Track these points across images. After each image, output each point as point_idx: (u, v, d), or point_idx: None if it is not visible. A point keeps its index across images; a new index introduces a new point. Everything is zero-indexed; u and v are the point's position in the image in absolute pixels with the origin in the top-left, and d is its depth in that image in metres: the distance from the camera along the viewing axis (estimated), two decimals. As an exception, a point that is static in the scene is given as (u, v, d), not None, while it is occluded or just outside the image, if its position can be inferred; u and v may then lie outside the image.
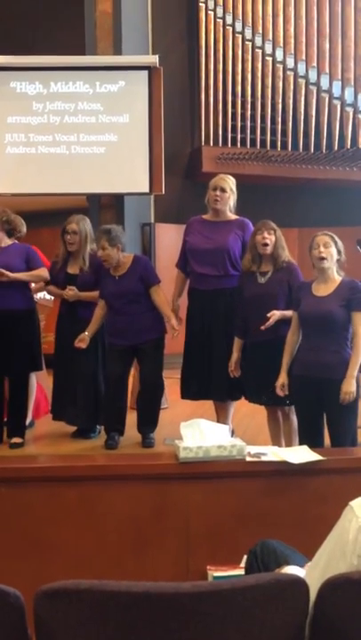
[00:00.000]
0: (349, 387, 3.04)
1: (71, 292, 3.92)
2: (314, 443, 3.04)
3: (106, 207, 6.46)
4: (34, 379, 4.27)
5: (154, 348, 3.79)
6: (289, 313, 3.36)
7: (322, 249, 3.15)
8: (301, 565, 1.84)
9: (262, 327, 3.37)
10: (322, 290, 3.20)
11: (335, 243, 3.18)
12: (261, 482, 2.63)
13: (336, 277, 3.20)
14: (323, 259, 3.14)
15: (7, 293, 3.70)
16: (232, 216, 3.87)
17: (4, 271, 3.64)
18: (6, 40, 7.26)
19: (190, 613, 1.43)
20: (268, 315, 3.37)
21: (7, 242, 3.86)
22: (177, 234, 4.10)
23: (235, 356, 3.62)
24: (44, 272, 3.89)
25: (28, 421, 4.09)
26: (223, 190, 3.76)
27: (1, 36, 7.53)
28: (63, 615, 1.43)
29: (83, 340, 3.80)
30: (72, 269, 4.02)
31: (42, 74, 6.21)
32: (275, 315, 3.37)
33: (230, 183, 3.80)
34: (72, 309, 3.98)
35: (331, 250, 3.16)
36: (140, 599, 1.42)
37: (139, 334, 3.74)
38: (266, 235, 3.47)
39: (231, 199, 3.80)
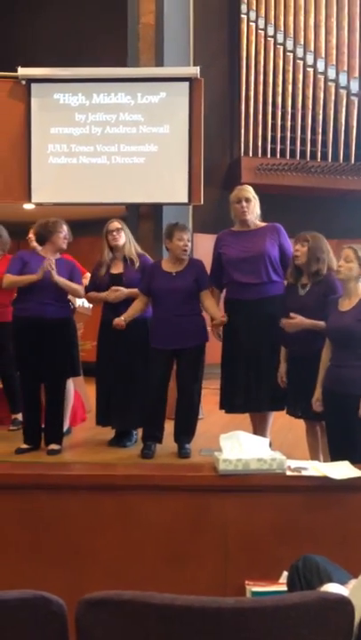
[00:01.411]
0: None
1: (117, 292, 3.94)
2: (345, 458, 2.97)
3: (145, 217, 6.48)
4: (71, 386, 4.30)
5: (196, 354, 3.78)
6: (321, 324, 3.32)
7: (341, 262, 3.13)
8: (345, 582, 1.80)
9: (281, 324, 3.37)
10: (346, 304, 3.18)
11: (358, 257, 3.13)
12: (302, 497, 2.59)
13: (360, 292, 3.16)
14: (337, 272, 3.14)
15: (46, 302, 3.76)
16: (261, 223, 3.87)
17: (52, 265, 3.70)
18: (51, 52, 7.42)
19: (233, 630, 1.42)
20: (293, 315, 3.34)
21: (57, 255, 3.93)
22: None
23: (282, 366, 3.59)
24: (81, 290, 3.96)
25: (65, 428, 4.11)
26: (248, 200, 3.77)
27: (46, 48, 7.70)
28: (105, 625, 1.43)
29: (120, 323, 3.82)
30: (116, 269, 4.06)
31: (85, 85, 6.29)
32: (297, 318, 3.34)
33: (251, 191, 3.83)
34: (115, 310, 3.96)
35: (351, 265, 3.12)
36: (183, 613, 1.41)
37: (183, 338, 3.73)
38: (298, 247, 3.47)
39: (257, 206, 3.83)
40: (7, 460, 3.54)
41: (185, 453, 3.74)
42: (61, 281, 3.79)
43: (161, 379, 3.80)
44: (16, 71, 6.20)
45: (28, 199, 6.26)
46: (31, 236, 4.41)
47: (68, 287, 3.86)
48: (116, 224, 4.07)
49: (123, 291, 3.96)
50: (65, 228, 3.92)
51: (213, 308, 3.82)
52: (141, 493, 2.55)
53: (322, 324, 3.31)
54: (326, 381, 3.22)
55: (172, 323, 3.74)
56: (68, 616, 1.44)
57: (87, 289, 4.11)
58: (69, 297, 4.00)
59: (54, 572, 2.43)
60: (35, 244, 4.19)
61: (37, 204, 6.33)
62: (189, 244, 3.83)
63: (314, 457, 3.50)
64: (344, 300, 3.20)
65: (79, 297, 4.07)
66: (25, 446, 3.81)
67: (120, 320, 3.83)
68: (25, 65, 6.25)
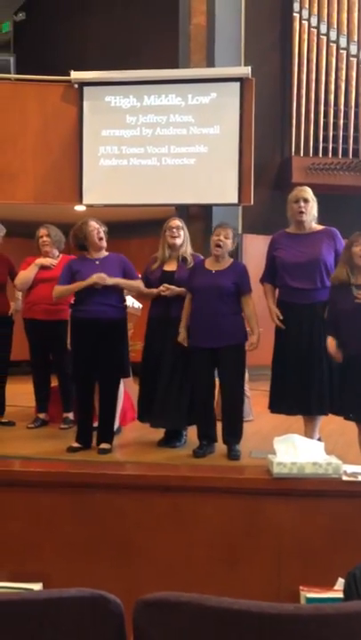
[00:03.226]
0: None
1: (167, 291, 3.94)
2: None
3: (194, 218, 6.48)
4: (121, 386, 4.33)
5: (234, 354, 3.76)
6: None
7: None
8: None
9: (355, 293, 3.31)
10: None
11: None
12: (359, 503, 2.53)
13: None
14: None
15: (104, 304, 3.79)
16: (318, 226, 3.83)
17: (105, 277, 3.74)
18: (102, 55, 7.51)
19: (292, 636, 1.38)
20: None
21: (105, 253, 3.96)
22: (265, 244, 4.06)
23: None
24: (140, 283, 3.98)
25: (115, 428, 4.14)
26: (306, 200, 3.74)
27: (97, 51, 7.80)
28: (162, 626, 1.42)
29: (185, 339, 3.85)
30: (169, 267, 4.07)
31: (136, 87, 6.34)
32: None
33: (310, 192, 3.79)
34: (166, 310, 3.98)
35: None
36: (240, 617, 1.39)
37: (221, 337, 3.71)
38: None
39: (314, 208, 3.79)
40: (59, 458, 3.59)
41: (235, 455, 3.71)
42: (118, 281, 3.83)
43: (206, 378, 3.80)
44: (68, 75, 6.31)
45: (80, 201, 6.36)
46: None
47: (128, 285, 3.92)
48: (177, 222, 4.08)
49: (173, 289, 3.96)
50: (93, 223, 3.92)
51: (252, 317, 3.78)
52: (196, 495, 2.55)
53: None
54: None
55: (209, 321, 3.73)
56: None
57: None
58: None
59: (108, 571, 2.44)
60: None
61: (88, 206, 6.41)
62: (226, 241, 3.78)
63: (368, 461, 3.42)
64: None
65: (140, 292, 4.09)
66: (76, 445, 3.85)
67: (183, 334, 3.85)
68: (77, 68, 6.35)
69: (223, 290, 3.73)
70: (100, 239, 3.90)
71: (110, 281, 3.77)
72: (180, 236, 4.05)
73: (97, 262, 3.90)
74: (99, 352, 3.80)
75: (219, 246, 3.79)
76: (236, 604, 1.39)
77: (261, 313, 3.92)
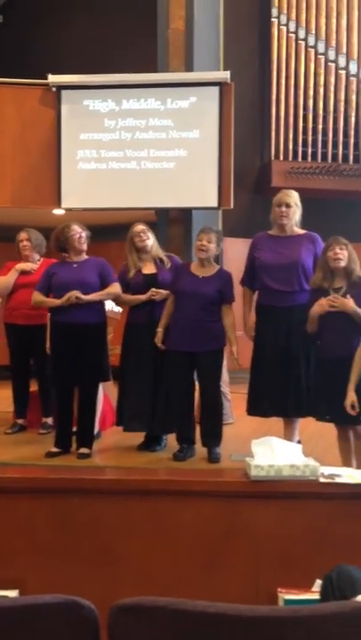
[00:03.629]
0: None
1: (157, 295, 3.93)
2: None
3: (174, 221, 6.49)
4: (101, 390, 4.31)
5: (213, 358, 3.79)
6: None
7: None
8: (381, 595, 1.75)
9: (323, 301, 3.35)
10: None
11: None
12: (336, 505, 2.54)
13: None
14: None
15: (82, 308, 3.77)
16: (299, 230, 3.87)
17: (80, 296, 3.72)
18: (81, 59, 7.49)
19: (268, 638, 1.38)
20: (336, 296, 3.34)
21: (84, 256, 3.95)
22: (245, 248, 4.10)
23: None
24: (116, 288, 3.94)
25: (94, 432, 4.12)
26: (288, 206, 3.77)
27: (76, 55, 7.78)
28: (138, 632, 1.41)
29: (161, 340, 3.85)
30: (148, 270, 4.06)
31: (114, 91, 6.34)
32: (342, 299, 3.31)
33: (295, 198, 3.81)
34: (150, 315, 3.96)
35: None
36: (217, 620, 1.38)
37: (199, 342, 3.73)
38: (338, 250, 3.43)
39: (297, 214, 3.82)
40: (37, 463, 3.56)
41: (215, 458, 3.73)
42: (93, 297, 3.81)
43: (185, 381, 3.81)
44: (46, 78, 6.28)
45: (58, 205, 6.33)
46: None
47: (105, 296, 3.91)
48: (141, 226, 4.08)
49: (162, 293, 3.96)
50: (76, 227, 3.93)
51: (231, 328, 3.80)
52: (173, 499, 2.54)
53: None
54: None
55: (190, 326, 3.74)
56: (100, 621, 1.42)
57: None
58: None
59: (86, 577, 2.42)
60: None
61: (67, 210, 6.38)
62: (209, 245, 3.79)
63: (347, 463, 3.44)
64: None
65: (117, 297, 4.06)
66: (55, 450, 3.84)
67: (160, 335, 3.84)
68: (55, 72, 6.33)
69: (207, 298, 3.75)
70: (80, 243, 3.90)
71: (85, 298, 3.75)
72: (149, 237, 4.05)
73: (75, 265, 3.91)
74: (78, 356, 3.78)
75: (202, 250, 3.80)
76: (211, 607, 1.39)
77: (241, 315, 3.94)
